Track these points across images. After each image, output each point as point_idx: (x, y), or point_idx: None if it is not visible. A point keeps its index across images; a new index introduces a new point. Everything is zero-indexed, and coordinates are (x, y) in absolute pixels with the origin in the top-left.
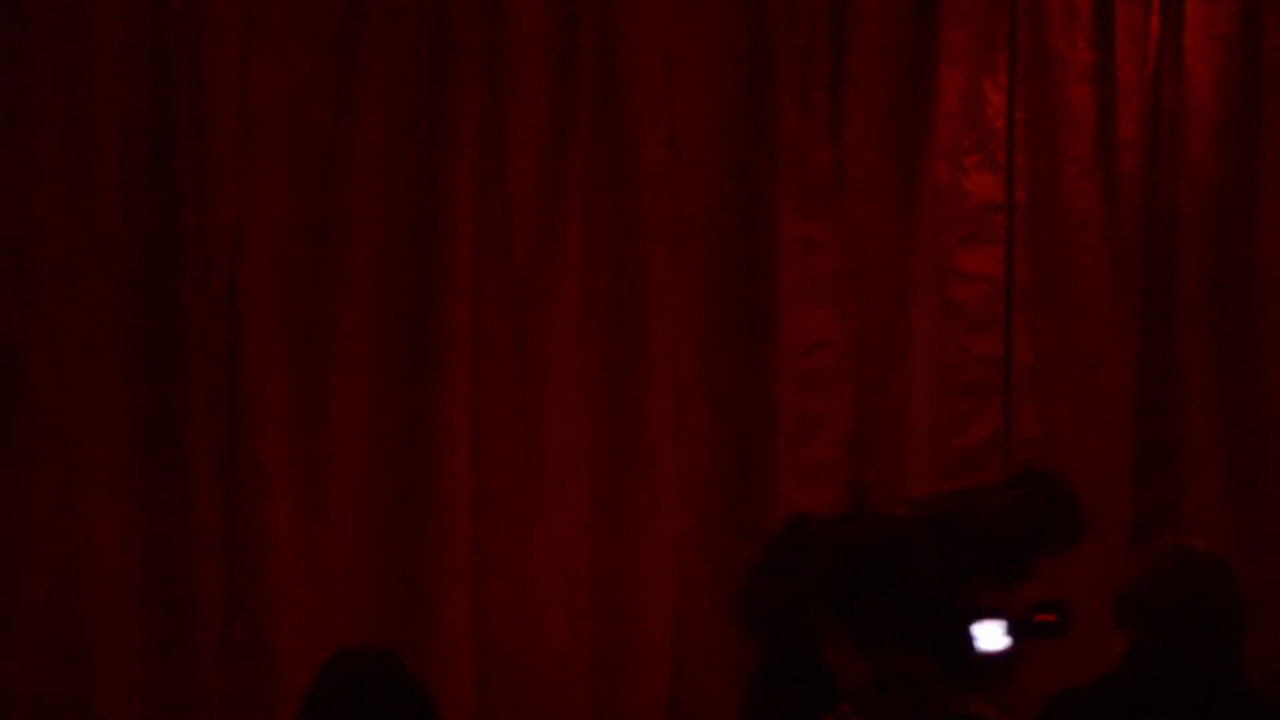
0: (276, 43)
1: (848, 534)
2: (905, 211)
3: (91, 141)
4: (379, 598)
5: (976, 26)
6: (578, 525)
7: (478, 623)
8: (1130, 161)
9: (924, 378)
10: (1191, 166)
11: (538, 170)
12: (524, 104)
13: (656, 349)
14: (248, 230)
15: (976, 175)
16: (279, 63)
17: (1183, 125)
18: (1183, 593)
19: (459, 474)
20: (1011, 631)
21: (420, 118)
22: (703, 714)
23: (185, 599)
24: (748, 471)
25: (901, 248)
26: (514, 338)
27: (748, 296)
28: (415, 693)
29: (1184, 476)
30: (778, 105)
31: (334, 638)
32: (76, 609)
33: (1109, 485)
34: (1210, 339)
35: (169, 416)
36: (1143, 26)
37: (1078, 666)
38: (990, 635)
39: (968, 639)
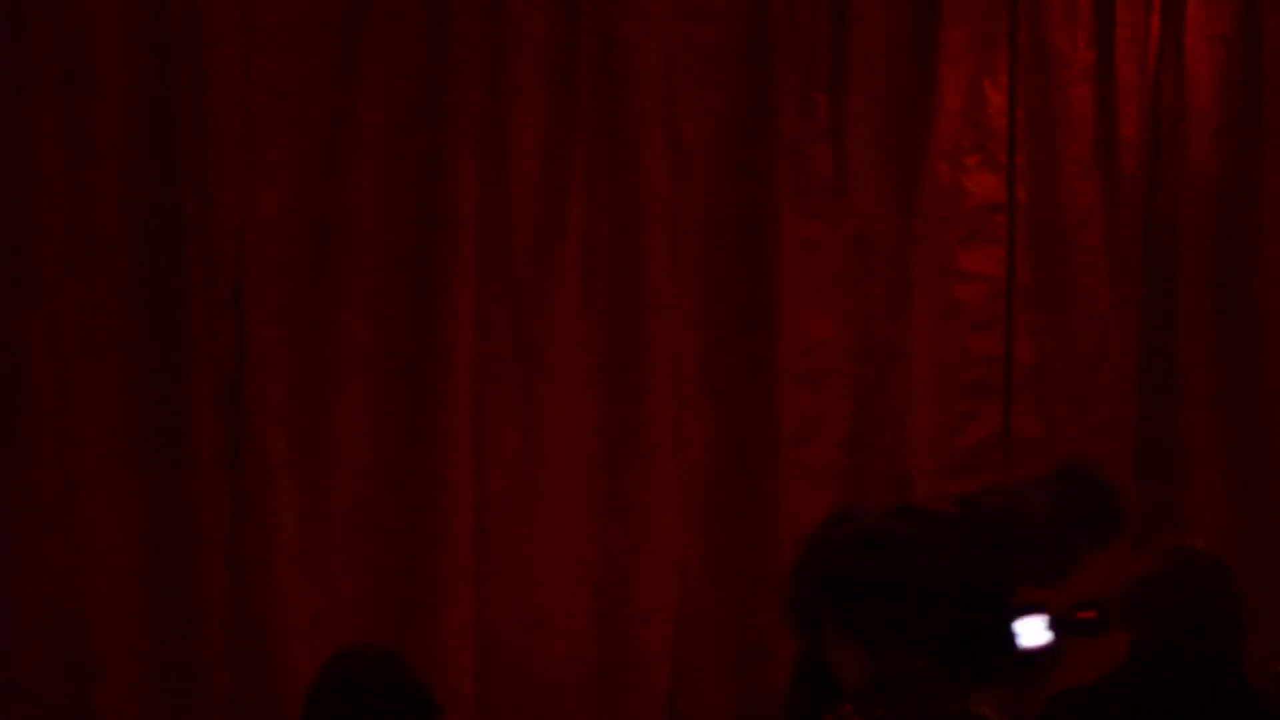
0: (277, 43)
1: (849, 533)
2: (906, 211)
3: (93, 142)
4: (381, 597)
5: (977, 26)
6: (578, 525)
7: (479, 622)
8: (1131, 161)
9: (925, 377)
10: (1192, 166)
11: (538, 170)
12: (525, 104)
13: (657, 349)
14: (251, 230)
15: (977, 175)
16: (280, 63)
17: (1183, 125)
18: (1183, 593)
19: (460, 474)
20: (1053, 627)
21: (421, 118)
22: (703, 713)
23: (188, 599)
24: (748, 471)
25: (902, 247)
26: (515, 337)
27: (748, 296)
28: (417, 692)
29: (1184, 476)
30: (778, 105)
31: (337, 637)
32: (77, 609)
33: None
34: (1211, 339)
35: (171, 417)
36: (1143, 26)
37: (1079, 666)
38: (1032, 631)
39: (1009, 634)
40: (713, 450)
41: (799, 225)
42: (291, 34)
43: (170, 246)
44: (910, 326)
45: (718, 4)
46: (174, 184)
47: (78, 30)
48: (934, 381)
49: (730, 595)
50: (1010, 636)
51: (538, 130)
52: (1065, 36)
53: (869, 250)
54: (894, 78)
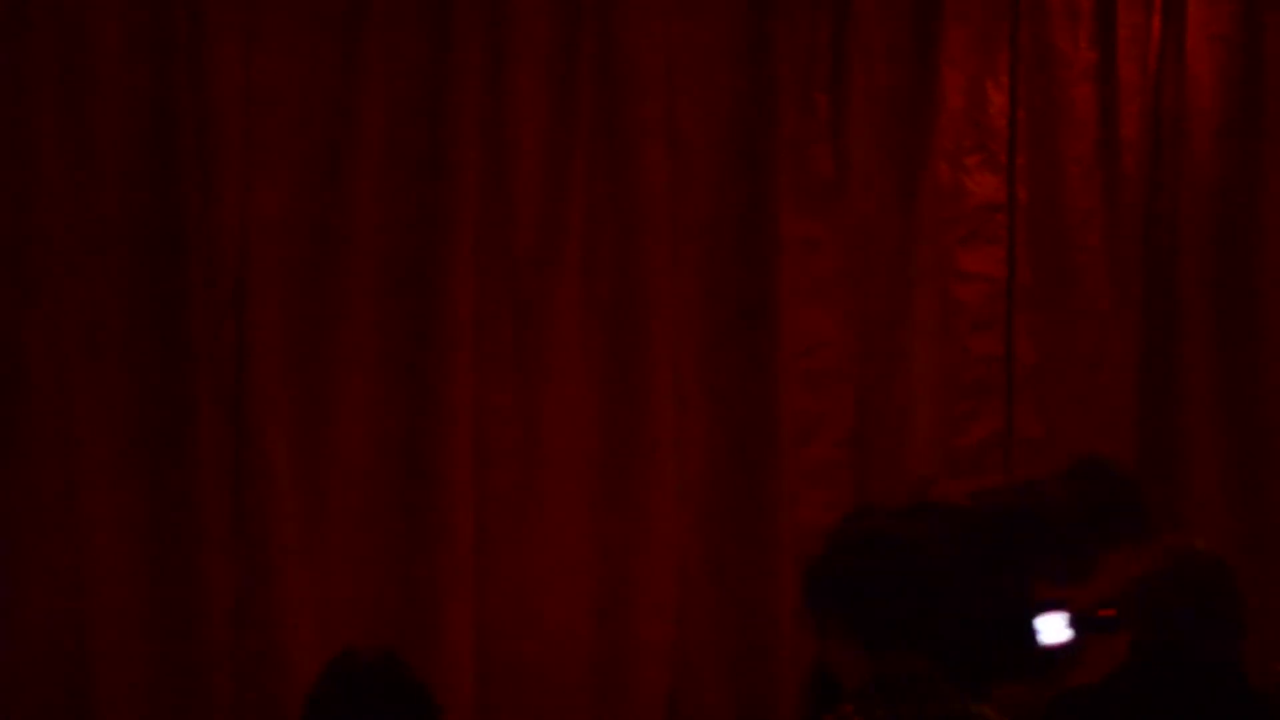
0: (278, 43)
1: (850, 534)
2: (907, 211)
3: (93, 142)
4: (382, 597)
5: (978, 26)
6: (578, 524)
7: (480, 622)
8: (1132, 161)
9: (925, 377)
10: (1193, 166)
11: (540, 170)
12: (526, 104)
13: (658, 349)
14: (252, 230)
15: (978, 175)
16: (281, 63)
17: (1184, 125)
18: (1183, 593)
19: (461, 473)
20: (1074, 625)
21: (422, 118)
22: (703, 712)
23: (190, 599)
24: (749, 471)
25: (903, 247)
26: (515, 337)
27: (749, 296)
28: (417, 693)
29: (1184, 476)
30: (779, 105)
31: (338, 637)
32: (77, 610)
33: None
34: (1211, 339)
35: (172, 417)
36: (1144, 26)
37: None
38: (1053, 628)
39: (1029, 631)
40: (713, 450)
41: (799, 225)
42: (292, 34)
43: (171, 246)
44: (911, 326)
45: (718, 4)
46: (175, 184)
47: (78, 30)
48: (934, 381)
49: (730, 594)
50: (1030, 633)
51: (538, 130)
52: (1066, 37)
53: (869, 250)
54: (894, 78)
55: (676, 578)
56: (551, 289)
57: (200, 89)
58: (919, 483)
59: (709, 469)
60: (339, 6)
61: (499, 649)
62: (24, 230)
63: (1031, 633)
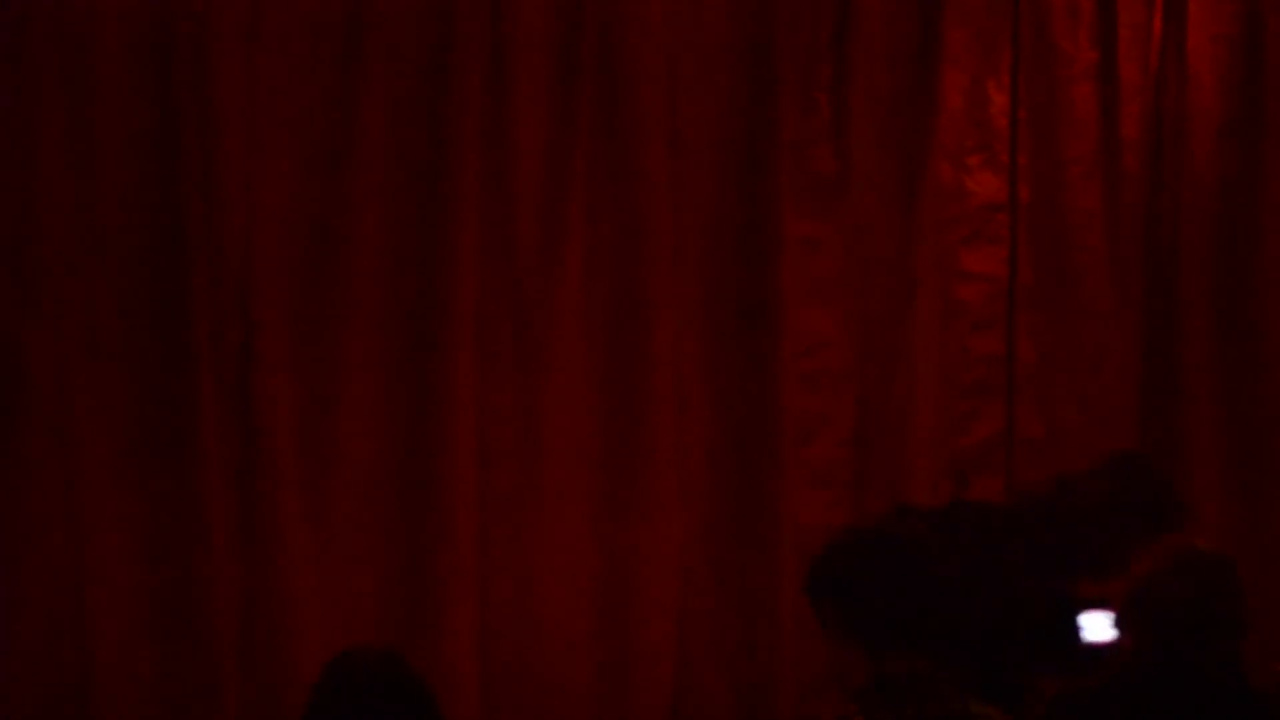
0: (281, 43)
1: (851, 534)
2: (908, 211)
3: (96, 142)
4: (386, 597)
5: (979, 26)
6: (581, 524)
7: (483, 621)
8: (1133, 161)
9: (927, 377)
10: (1194, 166)
11: (541, 170)
12: (527, 104)
13: (659, 349)
14: (256, 230)
15: (979, 175)
16: (283, 63)
17: (1186, 125)
18: (1183, 593)
19: (464, 474)
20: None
21: (423, 118)
22: (705, 712)
23: (196, 599)
24: (750, 471)
25: (904, 247)
26: (517, 337)
27: (750, 296)
28: (418, 692)
29: (1186, 475)
30: (780, 105)
31: (344, 636)
32: (79, 610)
33: None
34: (1212, 338)
35: (176, 417)
36: (1146, 26)
37: None
38: (1097, 626)
39: (1071, 628)
40: (714, 450)
41: (801, 225)
42: (294, 34)
43: (173, 247)
44: (912, 326)
45: (719, 4)
46: (177, 184)
47: (80, 31)
48: (936, 381)
49: (732, 594)
50: (1073, 630)
51: (539, 130)
52: (1067, 36)
53: (871, 250)
54: (896, 78)
55: (678, 577)
56: (552, 289)
57: (203, 89)
58: (956, 479)
59: (710, 469)
60: (340, 7)
61: (501, 648)
62: (26, 231)
63: (1074, 629)
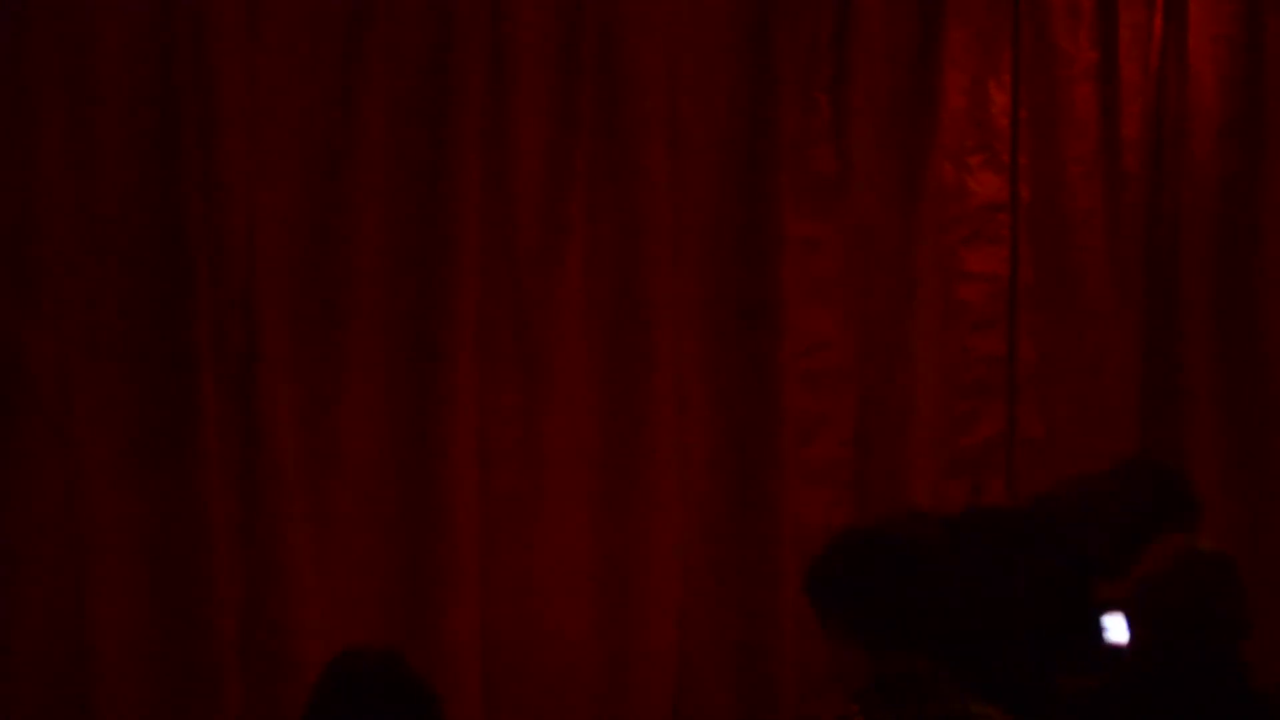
0: (282, 42)
1: (852, 533)
2: (908, 211)
3: (96, 141)
4: (389, 597)
5: (980, 26)
6: (581, 525)
7: (484, 622)
8: (1134, 161)
9: (927, 377)
10: (1195, 166)
11: (541, 170)
12: (527, 104)
13: (659, 349)
14: (258, 230)
15: (980, 174)
16: (285, 63)
17: (1186, 125)
18: (1184, 593)
19: (465, 473)
20: None
21: (424, 118)
22: (707, 713)
23: (198, 600)
24: (751, 471)
25: (905, 247)
26: (517, 337)
27: (750, 296)
28: (418, 693)
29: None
30: (781, 104)
31: (344, 637)
32: (80, 611)
33: None
34: (1213, 338)
35: (178, 417)
36: (1146, 26)
37: None
38: (1119, 628)
39: (1093, 628)
40: (715, 450)
41: (801, 225)
42: (294, 33)
43: (174, 247)
44: (913, 326)
45: (720, 3)
46: (178, 184)
47: (81, 30)
48: (936, 381)
49: (733, 595)
50: (1096, 630)
51: (540, 130)
52: (1068, 36)
53: (871, 250)
54: (896, 77)
55: (679, 578)
56: (553, 289)
57: (202, 89)
58: (971, 490)
59: (710, 469)
60: (341, 7)
61: (503, 649)
62: (26, 231)
63: (1093, 630)
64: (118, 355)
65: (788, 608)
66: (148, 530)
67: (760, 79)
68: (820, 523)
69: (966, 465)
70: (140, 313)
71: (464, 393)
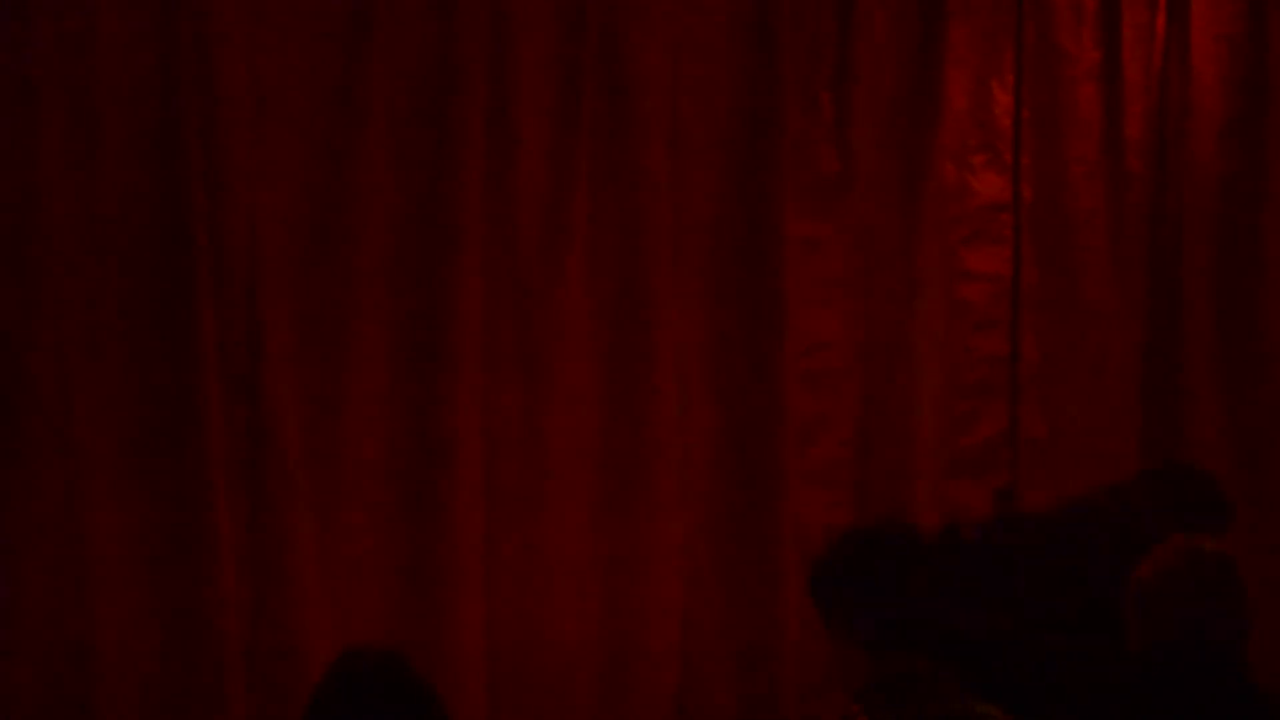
0: (284, 41)
1: (854, 533)
2: (911, 211)
3: (98, 140)
4: (393, 597)
5: (983, 25)
6: (584, 524)
7: (488, 622)
8: (1136, 161)
9: (930, 377)
10: (1197, 166)
11: (543, 169)
12: (530, 103)
13: (662, 349)
14: (261, 229)
15: (983, 174)
16: (287, 61)
17: (1189, 125)
18: (1185, 593)
19: (469, 473)
20: None
21: (427, 117)
22: (710, 713)
23: (201, 600)
24: (753, 471)
25: (907, 247)
26: (520, 338)
27: (753, 296)
28: (419, 693)
29: None
30: (783, 104)
31: (348, 638)
32: (80, 613)
33: None
34: (1215, 338)
35: (182, 416)
36: (1149, 26)
37: None
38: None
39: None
40: (718, 450)
41: (803, 225)
42: (297, 33)
43: (177, 246)
44: (915, 326)
45: (723, 3)
46: (181, 182)
47: (82, 28)
48: (939, 381)
49: (736, 595)
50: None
51: (542, 129)
52: (1071, 36)
53: (874, 250)
54: (899, 77)
55: (681, 577)
56: (555, 288)
57: (205, 87)
58: (999, 496)
59: (712, 469)
60: (342, 6)
61: (506, 648)
62: (28, 230)
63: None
64: (119, 355)
65: (789, 607)
66: (149, 530)
67: (762, 79)
68: (822, 523)
69: (968, 465)
70: (141, 312)
71: (467, 392)
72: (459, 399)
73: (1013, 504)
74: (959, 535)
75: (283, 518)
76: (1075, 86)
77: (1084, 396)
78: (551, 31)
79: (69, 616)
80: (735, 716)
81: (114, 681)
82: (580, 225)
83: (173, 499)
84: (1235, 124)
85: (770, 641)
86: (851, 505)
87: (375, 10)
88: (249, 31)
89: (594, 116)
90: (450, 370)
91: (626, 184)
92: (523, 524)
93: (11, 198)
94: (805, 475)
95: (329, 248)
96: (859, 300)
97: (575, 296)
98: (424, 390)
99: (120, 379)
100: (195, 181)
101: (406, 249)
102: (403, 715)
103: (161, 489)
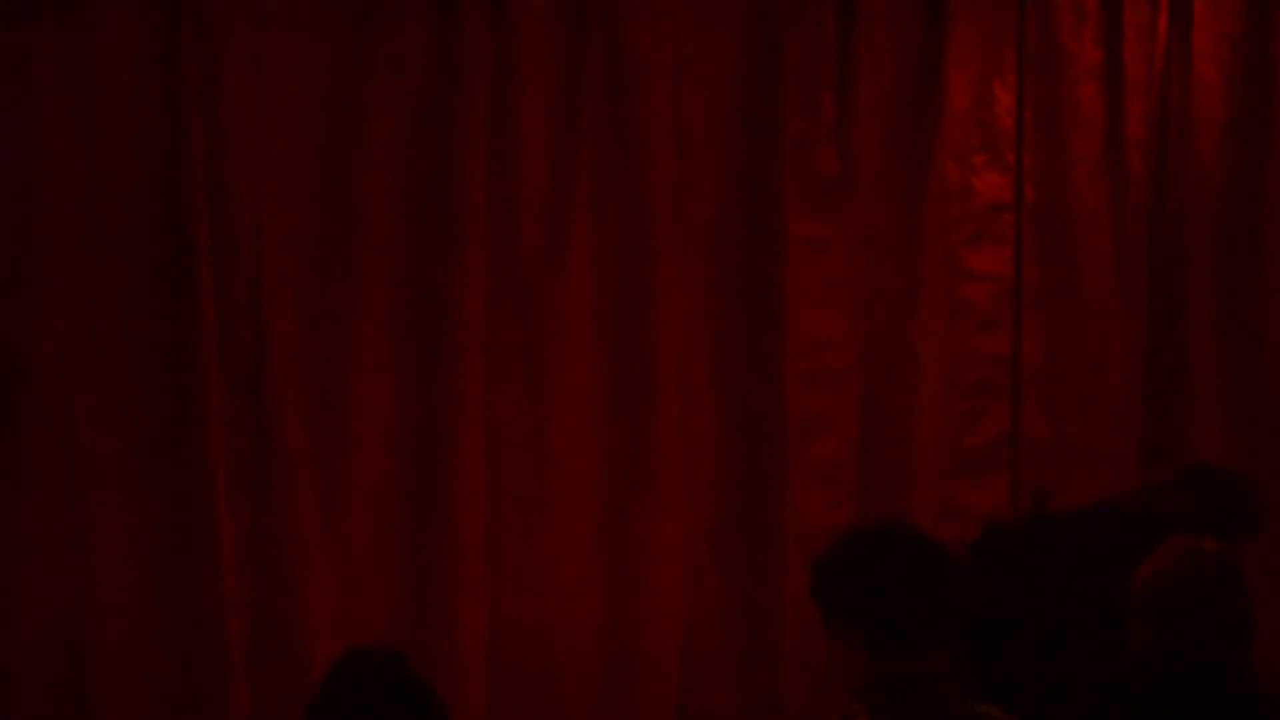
0: (287, 42)
1: (857, 534)
2: (913, 211)
3: (102, 145)
4: (397, 598)
5: (985, 26)
6: (587, 523)
7: (492, 621)
8: (1138, 161)
9: (932, 377)
10: (1199, 166)
11: (546, 170)
12: (533, 105)
13: (665, 349)
14: (265, 229)
15: (985, 174)
16: (290, 62)
17: (1191, 124)
18: (1185, 594)
19: (473, 472)
20: None
21: (429, 117)
22: (712, 713)
23: (204, 601)
24: (756, 471)
25: (910, 247)
26: (523, 338)
27: (756, 296)
28: (420, 693)
29: None
30: (785, 105)
31: (353, 636)
32: (81, 614)
33: (1116, 484)
34: (1217, 338)
35: (185, 417)
36: (1151, 25)
37: None
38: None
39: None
40: (720, 450)
41: (806, 225)
42: (300, 34)
43: (180, 247)
44: (917, 326)
45: (725, 4)
46: (184, 183)
47: (86, 33)
48: (941, 381)
49: (737, 594)
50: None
51: (545, 130)
52: (1073, 36)
53: (876, 250)
54: (901, 77)
55: (683, 576)
56: (558, 288)
57: (208, 88)
58: (1036, 496)
59: (716, 468)
60: (346, 8)
61: (509, 646)
62: (31, 233)
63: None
64: (121, 355)
65: (791, 607)
66: (151, 531)
67: (764, 79)
68: (824, 522)
69: (970, 465)
70: (143, 313)
71: (470, 392)
72: (461, 398)
73: (1049, 503)
74: (1001, 534)
75: (285, 517)
76: (1077, 86)
77: (1086, 396)
78: (553, 32)
79: (70, 617)
80: (736, 715)
81: (115, 682)
82: (582, 225)
83: (175, 499)
84: (1237, 123)
85: (772, 640)
86: (853, 505)
87: (377, 10)
88: (251, 32)
89: (595, 117)
90: (452, 370)
91: (628, 184)
92: (524, 524)
93: (12, 198)
94: (808, 474)
95: (331, 247)
96: (861, 300)
97: (577, 296)
98: (426, 389)
99: (122, 379)
100: (198, 181)
101: (409, 249)
102: (404, 715)
103: (163, 489)
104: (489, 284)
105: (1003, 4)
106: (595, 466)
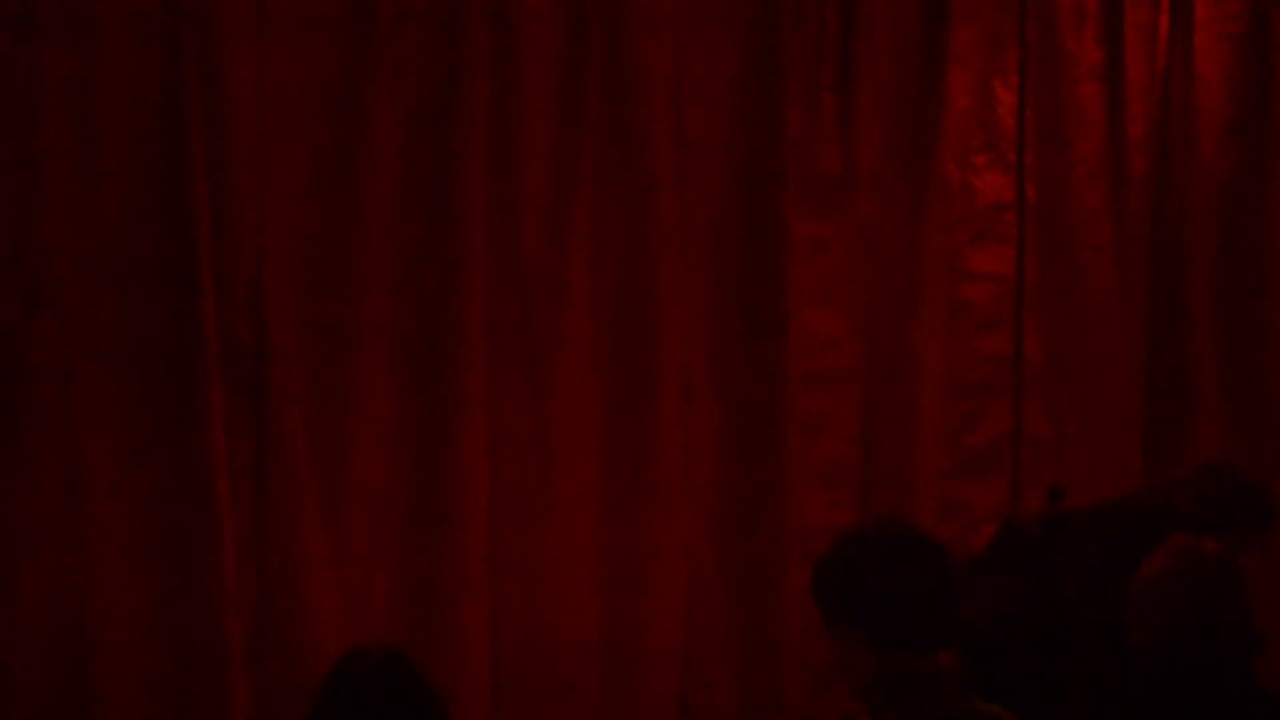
0: (289, 43)
1: (857, 534)
2: (915, 210)
3: (103, 140)
4: (399, 597)
5: (986, 25)
6: (589, 524)
7: (493, 622)
8: (1139, 160)
9: (933, 377)
10: (1200, 165)
11: (547, 170)
12: (533, 104)
13: (666, 349)
14: (266, 230)
15: (986, 174)
16: (291, 63)
17: (1192, 124)
18: (1186, 595)
19: (474, 473)
20: None
21: (431, 118)
22: (713, 712)
23: (206, 602)
24: (757, 470)
25: (911, 247)
26: (525, 338)
27: (757, 296)
28: (421, 693)
29: None
30: (787, 105)
31: (355, 635)
32: (82, 615)
33: (1117, 484)
34: (1218, 338)
35: (186, 418)
36: (1152, 25)
37: None
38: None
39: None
40: (721, 450)
41: (807, 225)
42: (301, 35)
43: (181, 247)
44: (918, 326)
45: (727, 4)
46: (185, 184)
47: (86, 31)
48: (942, 381)
49: (739, 594)
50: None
51: (547, 131)
52: (1074, 36)
53: (877, 249)
54: (902, 77)
55: (685, 577)
56: (560, 288)
57: (209, 89)
58: (1051, 495)
59: (717, 468)
60: (348, 8)
61: (510, 646)
62: (31, 231)
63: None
64: (121, 355)
65: (793, 607)
66: (152, 531)
67: (766, 79)
68: (824, 522)
69: (971, 465)
70: (144, 313)
71: (472, 392)
72: (464, 398)
73: (1063, 502)
74: (1020, 532)
75: (287, 518)
76: (1078, 86)
77: (1087, 396)
78: (554, 32)
79: (70, 617)
80: (738, 714)
81: (115, 681)
82: (584, 225)
83: (176, 499)
84: (1238, 123)
85: (774, 640)
86: (853, 505)
87: (378, 11)
88: (252, 32)
89: (597, 117)
90: (454, 370)
91: (629, 185)
92: (526, 524)
93: (13, 198)
94: (808, 475)
95: (333, 248)
96: (863, 300)
97: (579, 297)
98: (427, 389)
99: (122, 379)
100: (199, 182)
101: (409, 249)
102: (405, 715)
103: (165, 489)
104: (490, 284)
105: (1003, 4)
106: (596, 466)
